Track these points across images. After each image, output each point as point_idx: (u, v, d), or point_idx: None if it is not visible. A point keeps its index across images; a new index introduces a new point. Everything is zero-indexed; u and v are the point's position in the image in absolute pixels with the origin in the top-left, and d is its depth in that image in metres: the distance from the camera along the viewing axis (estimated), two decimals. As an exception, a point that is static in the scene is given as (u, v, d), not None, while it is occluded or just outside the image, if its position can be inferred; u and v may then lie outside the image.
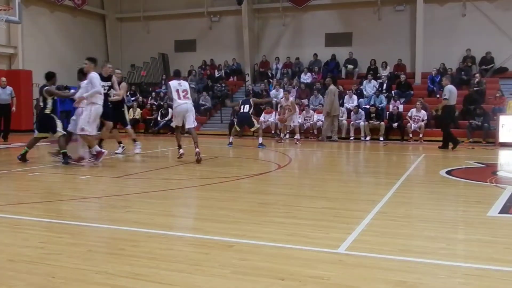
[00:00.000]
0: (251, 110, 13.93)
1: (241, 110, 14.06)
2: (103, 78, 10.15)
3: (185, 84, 10.12)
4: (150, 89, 22.44)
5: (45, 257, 3.74)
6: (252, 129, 14.45)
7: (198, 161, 9.38)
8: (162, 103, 20.31)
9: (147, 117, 20.36)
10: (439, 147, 13.27)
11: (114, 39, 25.28)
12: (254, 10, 22.75)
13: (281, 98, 16.41)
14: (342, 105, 17.94)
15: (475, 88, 17.40)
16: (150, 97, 21.44)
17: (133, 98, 21.60)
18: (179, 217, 5.14)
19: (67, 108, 19.32)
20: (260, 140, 13.76)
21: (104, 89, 10.02)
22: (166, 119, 19.59)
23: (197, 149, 9.46)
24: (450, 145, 13.14)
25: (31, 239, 4.23)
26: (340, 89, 18.86)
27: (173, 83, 9.98)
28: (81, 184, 7.46)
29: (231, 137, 14.29)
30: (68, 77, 21.40)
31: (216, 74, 22.72)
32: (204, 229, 4.60)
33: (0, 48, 19.50)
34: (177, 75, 10.87)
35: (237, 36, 23.05)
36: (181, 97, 9.80)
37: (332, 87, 16.39)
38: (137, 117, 20.25)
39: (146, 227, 4.63)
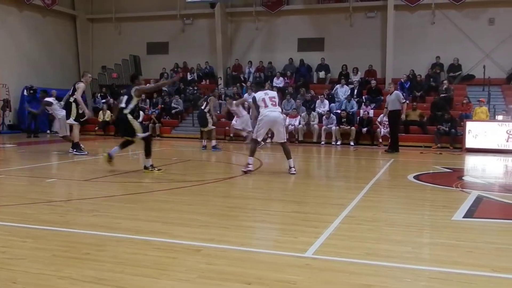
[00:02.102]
0: (207, 108, 13.76)
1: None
2: None
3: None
4: (121, 91, 22.13)
5: (7, 261, 3.65)
6: (205, 129, 14.13)
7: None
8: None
9: (118, 119, 20.08)
10: (388, 151, 13.86)
11: (85, 40, 24.89)
12: (227, 13, 22.75)
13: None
14: (314, 109, 18.10)
15: (442, 95, 17.78)
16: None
17: (103, 100, 21.32)
18: (146, 221, 5.07)
19: (33, 108, 18.99)
20: (213, 142, 13.70)
21: None
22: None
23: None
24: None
25: (-7, 244, 4.11)
26: (311, 94, 19.05)
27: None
28: (47, 187, 7.31)
29: (204, 140, 14.20)
30: (36, 77, 21.03)
31: (189, 77, 22.60)
32: (171, 233, 4.56)
33: (-35, 47, 18.99)
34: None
35: (210, 39, 22.99)
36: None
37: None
38: (107, 119, 19.97)
39: (112, 231, 4.56)
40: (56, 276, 3.37)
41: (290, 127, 17.53)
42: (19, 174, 8.77)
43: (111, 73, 24.08)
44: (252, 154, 8.93)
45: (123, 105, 8.53)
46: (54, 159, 11.21)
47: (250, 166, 8.83)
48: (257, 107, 9.07)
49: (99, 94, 22.24)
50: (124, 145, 8.83)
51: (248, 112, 17.46)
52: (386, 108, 14.09)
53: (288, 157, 9.06)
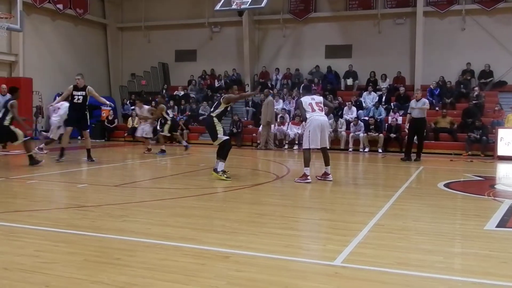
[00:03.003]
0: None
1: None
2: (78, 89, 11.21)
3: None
4: (150, 98, 22.45)
5: (40, 265, 3.73)
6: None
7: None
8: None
9: (146, 126, 20.32)
10: (416, 160, 13.45)
11: (115, 48, 25.35)
12: (254, 21, 22.85)
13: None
14: (341, 116, 18.02)
15: (473, 102, 17.47)
16: (150, 106, 21.42)
17: (132, 107, 21.62)
18: (175, 227, 5.12)
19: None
20: (163, 147, 14.16)
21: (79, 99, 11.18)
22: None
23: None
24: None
25: (27, 247, 4.21)
26: (339, 101, 18.96)
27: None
28: (78, 193, 7.45)
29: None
30: (68, 84, 21.42)
31: (216, 84, 22.75)
32: (200, 240, 4.58)
33: (1, 56, 19.53)
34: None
35: (237, 46, 23.14)
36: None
37: (269, 98, 17.57)
38: (136, 125, 20.22)
39: (142, 237, 4.62)
40: (89, 280, 3.43)
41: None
42: (51, 179, 8.96)
43: (140, 80, 24.44)
44: (307, 164, 8.75)
45: (211, 109, 9.36)
46: (85, 165, 11.39)
47: (308, 178, 8.62)
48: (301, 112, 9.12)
49: (128, 101, 22.57)
50: (223, 156, 8.95)
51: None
52: (409, 114, 13.73)
53: (328, 163, 9.04)
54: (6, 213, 5.69)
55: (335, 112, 18.26)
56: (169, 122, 14.60)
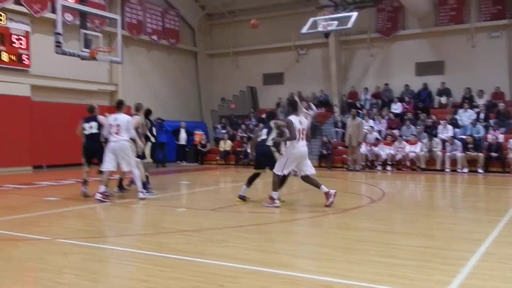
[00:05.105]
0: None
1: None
2: None
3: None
4: (240, 122, 23.03)
5: (150, 290, 3.91)
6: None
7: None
8: (251, 135, 20.70)
9: (237, 149, 20.82)
10: None
11: (205, 74, 26.36)
12: (341, 42, 22.75)
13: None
14: (435, 135, 17.33)
15: None
16: (239, 130, 21.97)
17: (223, 131, 22.28)
18: (273, 252, 5.16)
19: (161, 139, 20.29)
20: None
21: None
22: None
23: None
24: None
25: (136, 272, 4.44)
26: (433, 119, 18.27)
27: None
28: (178, 216, 7.75)
29: None
30: (163, 111, 22.62)
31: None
32: (299, 267, 4.58)
33: (103, 86, 21.00)
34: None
35: (324, 68, 23.12)
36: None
37: (358, 119, 17.28)
38: (228, 149, 20.78)
39: (243, 263, 4.69)
40: (196, 306, 3.54)
41: (411, 154, 16.89)
42: (151, 203, 9.39)
43: (229, 104, 25.15)
44: (276, 188, 8.15)
45: (264, 137, 8.62)
46: (182, 188, 11.83)
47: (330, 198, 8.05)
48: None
49: (219, 125, 23.29)
50: (250, 181, 8.82)
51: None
52: None
53: (319, 185, 8.24)
54: (115, 237, 6.05)
55: (428, 131, 17.60)
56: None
